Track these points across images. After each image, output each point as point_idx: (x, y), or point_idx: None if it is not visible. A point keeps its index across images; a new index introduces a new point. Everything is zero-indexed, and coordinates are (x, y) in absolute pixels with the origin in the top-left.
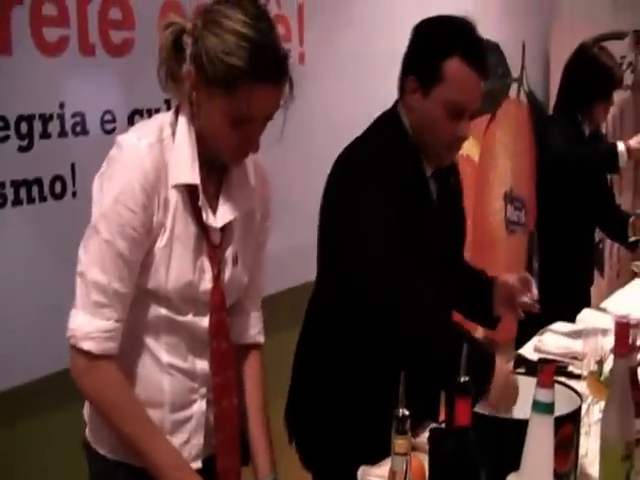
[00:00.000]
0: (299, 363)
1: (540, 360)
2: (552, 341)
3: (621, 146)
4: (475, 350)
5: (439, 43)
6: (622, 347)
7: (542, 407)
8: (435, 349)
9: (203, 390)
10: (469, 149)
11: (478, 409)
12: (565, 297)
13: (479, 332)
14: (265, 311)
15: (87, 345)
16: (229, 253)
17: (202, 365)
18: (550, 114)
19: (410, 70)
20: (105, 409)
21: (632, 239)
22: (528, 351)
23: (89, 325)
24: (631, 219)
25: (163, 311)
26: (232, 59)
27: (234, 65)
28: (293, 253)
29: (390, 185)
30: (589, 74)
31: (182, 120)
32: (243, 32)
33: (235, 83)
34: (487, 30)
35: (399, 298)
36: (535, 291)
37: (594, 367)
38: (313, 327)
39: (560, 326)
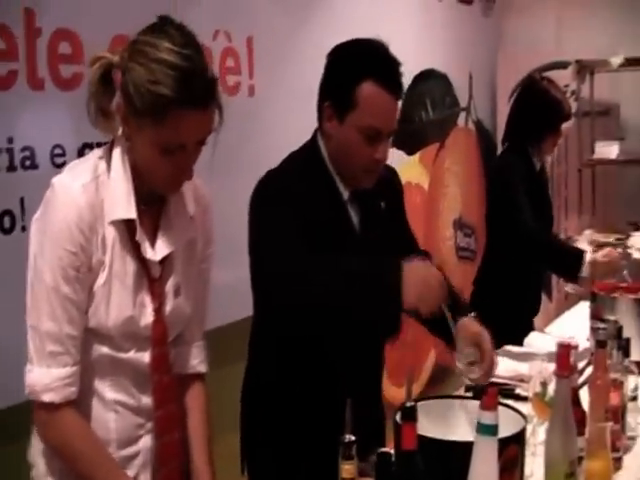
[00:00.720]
0: (246, 394)
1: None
2: (500, 365)
3: (589, 257)
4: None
5: (351, 68)
6: (563, 368)
7: (486, 429)
8: (361, 294)
9: (149, 425)
10: (418, 177)
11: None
12: (513, 321)
13: (432, 356)
14: (214, 343)
15: (48, 397)
16: (170, 285)
17: (147, 400)
18: (502, 149)
19: (325, 96)
20: (71, 459)
21: (584, 274)
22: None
23: (47, 376)
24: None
25: (105, 349)
26: (159, 88)
27: (161, 94)
28: (241, 285)
29: (301, 210)
30: (539, 108)
31: (116, 155)
32: (169, 60)
33: (163, 112)
34: (435, 61)
35: (301, 282)
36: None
37: (539, 389)
38: (256, 357)
39: (508, 350)
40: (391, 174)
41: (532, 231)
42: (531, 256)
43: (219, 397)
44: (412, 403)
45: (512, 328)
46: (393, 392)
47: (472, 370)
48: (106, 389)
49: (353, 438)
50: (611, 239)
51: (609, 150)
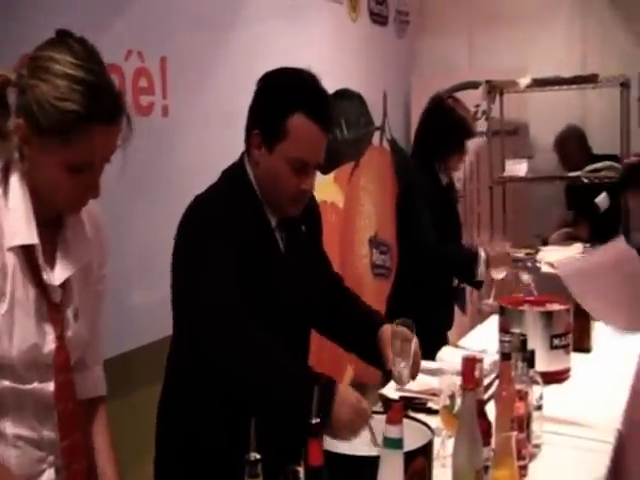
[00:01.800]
0: (162, 416)
1: (400, 398)
2: None
3: (482, 254)
4: (320, 386)
5: (282, 99)
6: (469, 382)
7: (391, 443)
8: (276, 395)
9: (51, 458)
10: (333, 196)
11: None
12: (426, 336)
13: (348, 372)
14: (126, 367)
15: None
16: (70, 310)
17: (48, 432)
18: (409, 166)
19: (255, 125)
20: None
21: (479, 278)
22: (389, 390)
23: None
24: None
25: (6, 383)
26: (66, 104)
27: (69, 110)
28: (153, 307)
29: (232, 237)
30: (445, 125)
31: (14, 179)
32: (75, 75)
33: (72, 129)
34: (350, 81)
35: (234, 349)
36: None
37: (447, 402)
38: (173, 378)
39: (421, 364)
40: (310, 200)
41: (429, 245)
42: (431, 268)
43: (135, 420)
44: (317, 420)
45: (425, 343)
46: None
47: (400, 376)
48: (7, 424)
49: (258, 456)
50: (521, 254)
51: (518, 168)
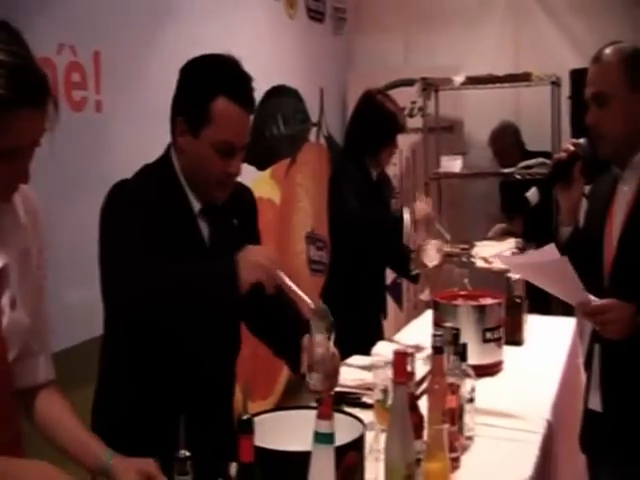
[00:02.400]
0: (96, 416)
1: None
2: (347, 374)
3: (406, 215)
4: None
5: (204, 84)
6: (400, 375)
7: (322, 438)
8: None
9: None
10: (270, 192)
11: None
12: (360, 332)
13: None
14: (61, 365)
15: None
16: (6, 299)
17: None
18: (340, 160)
19: (179, 111)
20: None
21: (414, 272)
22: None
23: None
24: (413, 254)
25: None
26: None
27: None
28: (91, 303)
29: (149, 220)
30: (375, 120)
31: None
32: None
33: None
34: (287, 77)
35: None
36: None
37: (380, 396)
38: (105, 377)
39: (356, 359)
40: (246, 193)
41: (352, 211)
42: (358, 235)
43: None
44: (248, 416)
45: (360, 338)
46: (250, 405)
47: (315, 383)
48: None
49: (188, 453)
50: (457, 249)
51: (453, 164)
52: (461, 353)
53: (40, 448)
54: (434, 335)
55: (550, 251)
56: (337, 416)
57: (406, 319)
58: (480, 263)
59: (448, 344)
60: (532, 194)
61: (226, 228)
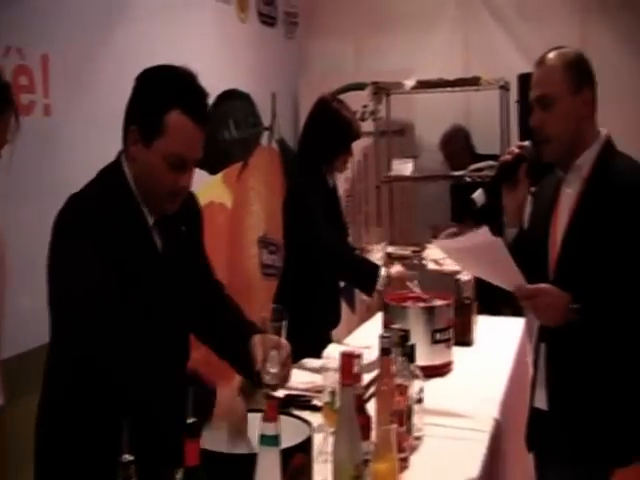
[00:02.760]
0: (40, 426)
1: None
2: (298, 377)
3: (383, 272)
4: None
5: (160, 95)
6: (347, 377)
7: (268, 440)
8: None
9: None
10: (222, 196)
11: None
12: (313, 335)
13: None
14: (11, 372)
15: None
16: None
17: None
18: (297, 170)
19: (132, 120)
20: None
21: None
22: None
23: None
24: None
25: None
26: None
27: None
28: (37, 312)
29: (104, 239)
30: (331, 128)
31: None
32: None
33: None
34: (239, 81)
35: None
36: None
37: (328, 398)
38: (50, 384)
39: (307, 362)
40: (192, 199)
41: (332, 247)
42: (331, 270)
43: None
44: (194, 419)
45: (312, 341)
46: None
47: (271, 377)
48: None
49: (131, 458)
50: (408, 251)
51: (404, 167)
52: (409, 354)
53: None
54: (382, 337)
55: (484, 233)
56: (285, 419)
57: (358, 322)
58: (431, 265)
59: (396, 345)
60: (478, 195)
61: (176, 235)
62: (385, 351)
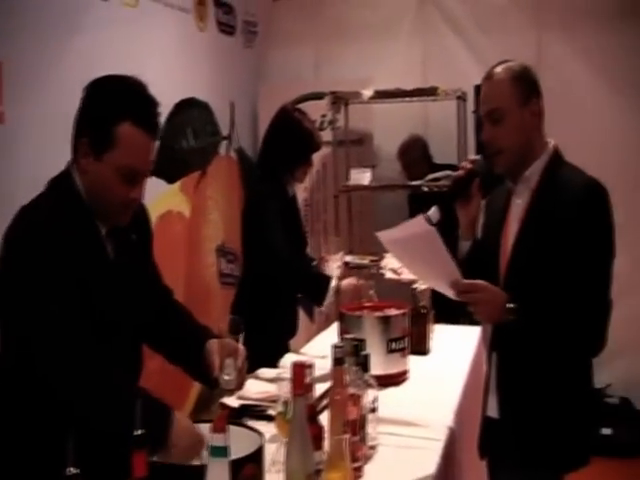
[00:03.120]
0: None
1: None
2: (253, 387)
3: (333, 284)
4: (150, 406)
5: (110, 107)
6: (299, 387)
7: (217, 451)
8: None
9: None
10: (179, 205)
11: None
12: (270, 344)
13: (196, 385)
14: None
15: None
16: None
17: None
18: (256, 176)
19: (82, 132)
20: None
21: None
22: (230, 399)
23: None
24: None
25: None
26: None
27: None
28: None
29: (59, 253)
30: (292, 138)
31: None
32: None
33: None
34: (197, 90)
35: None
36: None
37: (282, 408)
38: None
39: (262, 372)
40: (141, 209)
41: (285, 257)
42: (283, 280)
43: None
44: (141, 431)
45: (269, 350)
46: None
47: (228, 381)
48: None
49: (75, 471)
50: (366, 260)
51: (362, 177)
52: (363, 364)
53: None
54: (334, 347)
55: (418, 222)
56: (237, 429)
57: (317, 331)
58: (389, 274)
59: (349, 355)
60: (433, 213)
61: (127, 244)
62: (338, 361)
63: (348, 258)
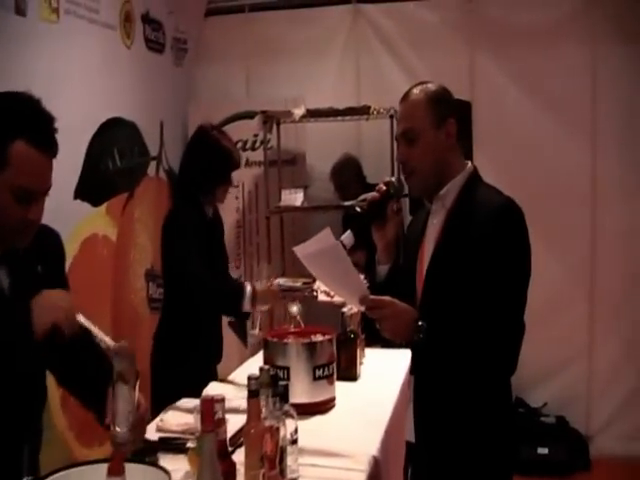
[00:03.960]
0: None
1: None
2: (174, 418)
3: (248, 289)
4: None
5: (1, 126)
6: (208, 423)
7: None
8: None
9: None
10: (106, 229)
11: None
12: (194, 370)
13: None
14: None
15: None
16: None
17: None
18: (175, 200)
19: None
20: None
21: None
22: (149, 432)
23: None
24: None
25: None
26: None
27: None
28: None
29: None
30: (210, 158)
31: None
32: None
33: None
34: (124, 109)
35: None
36: None
37: (194, 443)
38: None
39: (184, 402)
40: (52, 237)
41: (199, 278)
42: (201, 302)
43: None
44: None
45: (194, 377)
46: (85, 452)
47: (120, 436)
48: None
49: None
50: (299, 283)
51: (294, 197)
52: (282, 394)
53: None
54: (249, 378)
55: (325, 236)
56: (142, 468)
57: (250, 356)
58: (322, 297)
59: (266, 386)
60: (346, 237)
61: (29, 276)
62: (252, 393)
63: (280, 281)
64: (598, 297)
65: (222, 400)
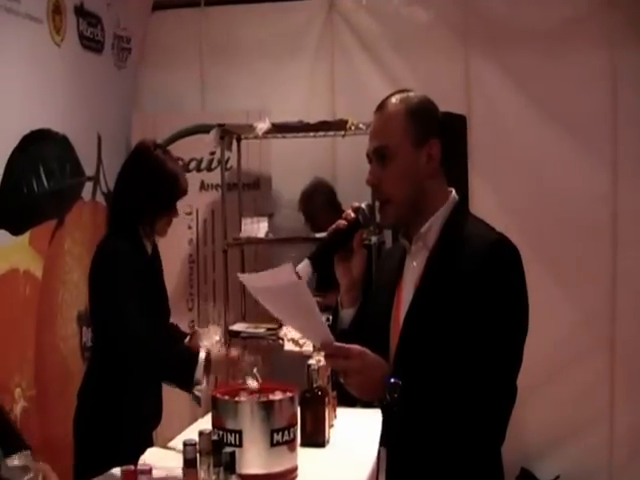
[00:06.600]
0: None
1: None
2: None
3: (202, 356)
4: None
5: None
6: None
7: None
8: None
9: None
10: (29, 263)
11: None
12: (128, 436)
13: None
14: None
15: None
16: None
17: None
18: (107, 233)
19: None
20: None
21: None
22: None
23: None
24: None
25: None
26: None
27: None
28: None
29: None
30: (152, 182)
31: None
32: None
33: None
34: (52, 119)
35: None
36: None
37: None
38: None
39: (114, 472)
40: None
41: (137, 336)
42: (135, 364)
43: None
44: None
45: (128, 444)
46: None
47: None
48: None
49: None
50: (262, 329)
51: (257, 227)
52: (227, 463)
53: None
54: (184, 445)
55: (287, 271)
56: None
57: (203, 414)
58: (289, 346)
59: (207, 454)
60: (303, 268)
61: None
62: (189, 463)
63: (238, 326)
64: (620, 348)
65: (149, 471)
